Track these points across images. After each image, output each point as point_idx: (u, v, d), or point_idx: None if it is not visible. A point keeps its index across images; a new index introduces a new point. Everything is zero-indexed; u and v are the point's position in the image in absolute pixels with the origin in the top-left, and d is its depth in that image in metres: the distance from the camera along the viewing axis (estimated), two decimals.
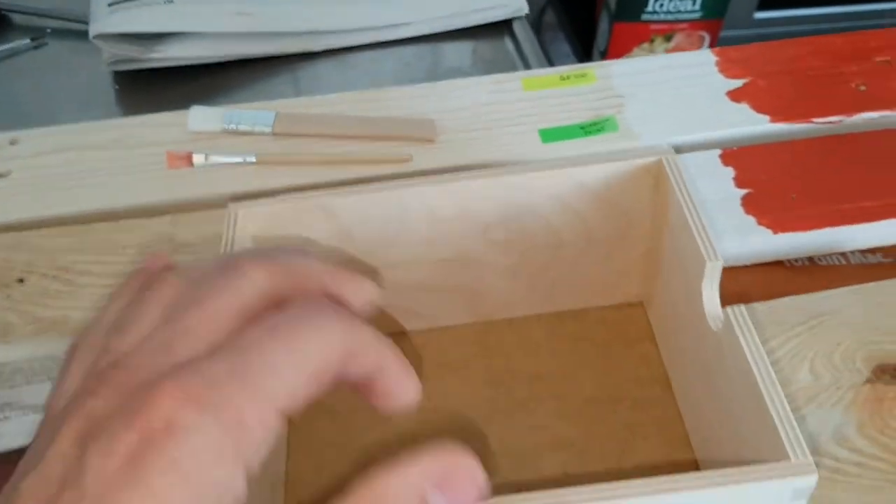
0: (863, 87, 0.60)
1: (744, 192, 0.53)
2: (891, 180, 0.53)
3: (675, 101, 0.59)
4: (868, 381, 0.44)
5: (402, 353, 0.29)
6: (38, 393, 0.47)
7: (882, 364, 0.44)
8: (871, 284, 0.48)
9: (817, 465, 0.40)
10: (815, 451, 0.41)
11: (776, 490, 0.29)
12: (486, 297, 0.46)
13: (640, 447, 0.41)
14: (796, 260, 0.52)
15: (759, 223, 0.51)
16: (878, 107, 0.59)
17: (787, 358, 0.44)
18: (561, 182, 0.40)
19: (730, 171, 0.54)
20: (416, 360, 0.46)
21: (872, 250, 0.52)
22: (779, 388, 0.31)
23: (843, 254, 0.52)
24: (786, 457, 0.29)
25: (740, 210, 0.52)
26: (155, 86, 0.72)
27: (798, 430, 0.30)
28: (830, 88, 0.60)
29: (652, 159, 0.39)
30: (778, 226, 0.51)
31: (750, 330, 0.33)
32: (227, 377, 0.24)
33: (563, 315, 0.48)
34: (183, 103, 0.58)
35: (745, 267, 0.50)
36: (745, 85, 0.61)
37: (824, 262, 0.52)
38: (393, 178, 0.43)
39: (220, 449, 0.23)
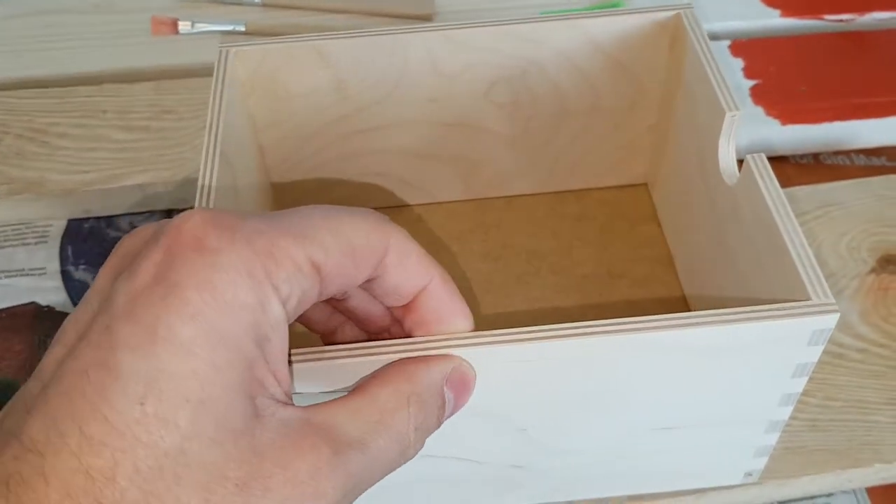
0: None
1: (753, 82, 0.51)
2: None
3: None
4: (873, 270, 0.43)
5: (450, 278, 0.27)
6: (9, 258, 0.45)
7: (887, 254, 0.43)
8: (878, 178, 0.47)
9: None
10: None
11: (796, 330, 0.27)
12: (485, 171, 0.44)
13: None
14: (802, 157, 0.50)
15: (768, 114, 0.50)
16: (890, 7, 0.57)
17: None
18: (571, 36, 0.38)
19: (739, 62, 0.52)
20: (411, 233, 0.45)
21: (877, 152, 0.51)
22: (799, 229, 0.30)
23: (847, 155, 0.51)
24: (807, 297, 0.28)
25: (749, 101, 0.50)
26: None
27: (819, 272, 0.28)
28: None
29: (668, 14, 0.37)
30: (786, 117, 0.49)
31: (770, 175, 0.31)
32: (260, 220, 0.23)
33: (563, 195, 0.46)
34: None
35: None
36: None
37: (830, 162, 0.51)
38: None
39: (250, 271, 0.22)
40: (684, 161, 0.39)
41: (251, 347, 0.22)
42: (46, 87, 0.49)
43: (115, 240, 0.46)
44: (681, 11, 0.37)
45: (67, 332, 0.23)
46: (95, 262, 0.45)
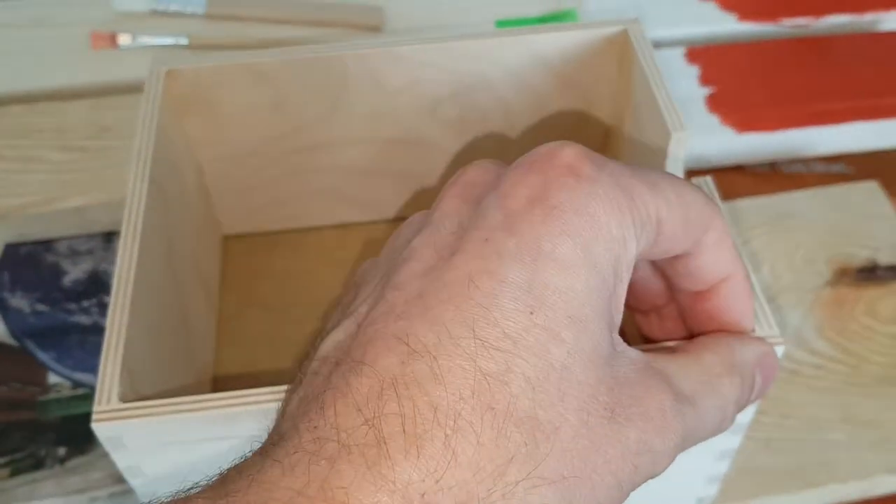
0: None
1: (708, 90, 0.50)
2: (857, 84, 0.51)
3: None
4: (829, 283, 0.42)
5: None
6: None
7: (844, 267, 0.42)
8: (834, 187, 0.46)
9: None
10: None
11: None
12: (434, 187, 0.43)
13: None
14: (759, 165, 0.50)
15: (724, 122, 0.49)
16: (847, 9, 0.56)
17: (748, 258, 0.42)
18: (516, 53, 0.36)
19: (695, 70, 0.51)
20: (359, 251, 0.43)
21: (835, 159, 0.50)
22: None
23: (805, 163, 0.50)
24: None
25: (704, 108, 0.49)
26: None
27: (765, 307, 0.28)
28: None
29: (616, 29, 0.36)
30: (742, 125, 0.49)
31: (714, 196, 0.31)
32: (617, 163, 0.24)
33: None
34: None
35: (708, 171, 0.48)
36: None
37: (787, 170, 0.50)
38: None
39: (619, 206, 0.23)
40: None
41: (612, 280, 0.23)
42: None
43: (54, 264, 0.45)
44: (627, 27, 0.36)
45: (419, 250, 0.23)
46: (33, 287, 0.43)
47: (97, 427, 0.26)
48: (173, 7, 0.51)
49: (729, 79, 0.51)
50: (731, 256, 0.26)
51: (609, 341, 0.22)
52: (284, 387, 0.26)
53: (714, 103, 0.50)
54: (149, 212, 0.31)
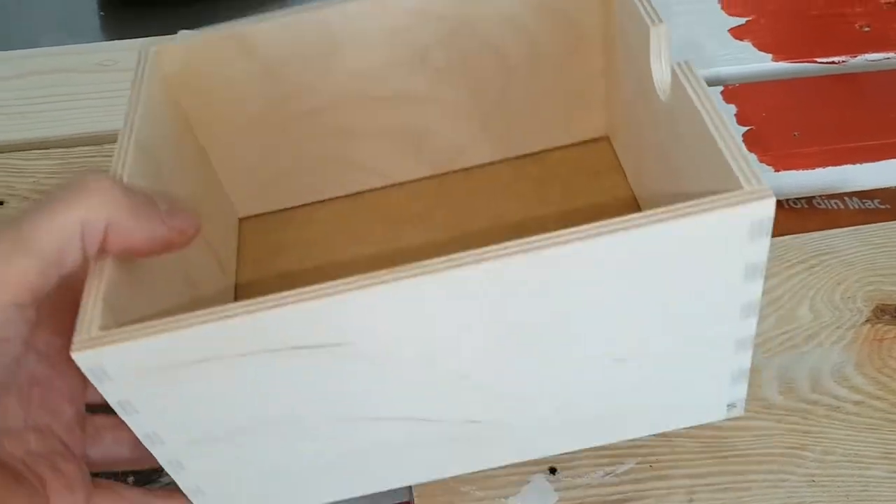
0: (866, 28, 0.59)
1: (745, 129, 0.52)
2: (892, 120, 0.52)
3: (678, 38, 0.57)
4: (868, 320, 0.43)
5: None
6: None
7: (882, 304, 0.44)
8: (871, 226, 0.48)
9: (816, 402, 0.40)
10: (815, 388, 0.40)
11: (733, 222, 0.26)
12: (436, 143, 0.43)
13: None
14: (796, 202, 0.51)
15: (761, 160, 0.50)
16: (882, 48, 0.57)
17: (788, 296, 0.44)
18: None
19: (731, 108, 0.53)
20: (374, 218, 0.44)
21: (870, 195, 0.52)
22: (729, 126, 0.29)
23: (841, 199, 0.52)
24: (739, 186, 0.26)
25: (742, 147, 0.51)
26: (141, 12, 0.69)
27: (751, 163, 0.27)
28: (834, 28, 0.59)
29: None
30: (779, 163, 0.50)
31: (699, 81, 0.31)
32: None
33: (523, 160, 0.45)
34: (171, 30, 0.56)
35: None
36: (747, 23, 0.59)
37: (823, 206, 0.51)
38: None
39: None
40: (634, 102, 0.39)
41: None
42: (49, 147, 0.50)
43: None
44: None
45: None
46: None
47: (77, 357, 0.26)
48: None
49: (765, 117, 0.53)
50: None
51: None
52: (259, 298, 0.26)
53: (751, 142, 0.51)
54: (135, 168, 0.32)
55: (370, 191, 0.46)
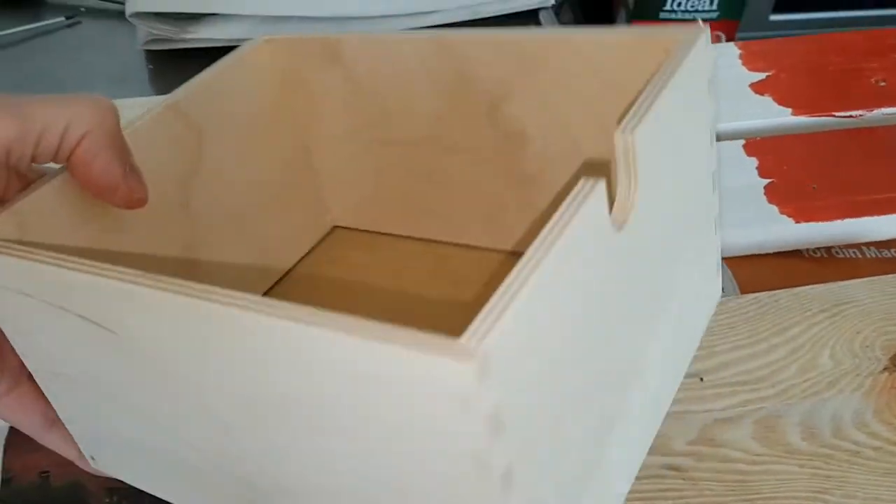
0: (882, 83, 0.61)
1: (766, 181, 0.54)
2: None
3: None
4: (886, 368, 0.45)
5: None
6: None
7: None
8: (889, 276, 0.50)
9: (838, 448, 0.42)
10: (837, 434, 0.42)
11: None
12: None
13: None
14: (815, 251, 0.53)
15: (781, 212, 0.52)
16: None
17: (810, 344, 0.46)
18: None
19: (753, 161, 0.55)
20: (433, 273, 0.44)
21: (887, 245, 0.54)
22: None
23: (859, 248, 0.54)
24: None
25: (763, 199, 0.53)
26: (189, 66, 0.73)
27: None
28: (851, 83, 0.62)
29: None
30: (799, 215, 0.52)
31: None
32: None
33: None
34: None
35: (767, 255, 0.52)
36: (767, 78, 0.62)
37: (842, 255, 0.53)
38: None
39: None
40: None
41: None
42: None
43: None
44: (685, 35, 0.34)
45: None
46: None
47: None
48: None
49: (786, 170, 0.55)
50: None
51: None
52: (62, 256, 0.28)
53: (772, 194, 0.54)
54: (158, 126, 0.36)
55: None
